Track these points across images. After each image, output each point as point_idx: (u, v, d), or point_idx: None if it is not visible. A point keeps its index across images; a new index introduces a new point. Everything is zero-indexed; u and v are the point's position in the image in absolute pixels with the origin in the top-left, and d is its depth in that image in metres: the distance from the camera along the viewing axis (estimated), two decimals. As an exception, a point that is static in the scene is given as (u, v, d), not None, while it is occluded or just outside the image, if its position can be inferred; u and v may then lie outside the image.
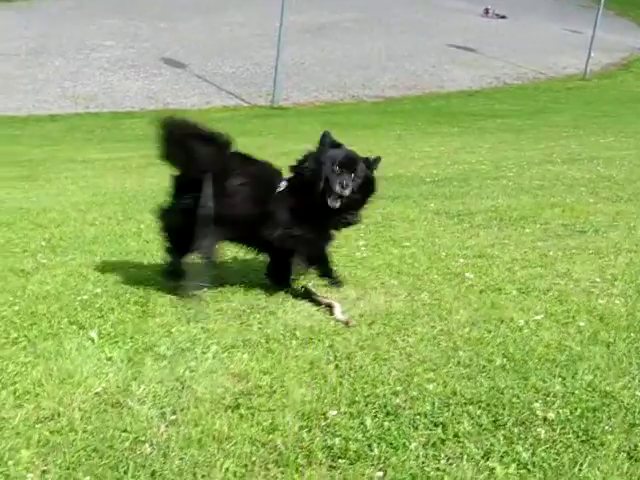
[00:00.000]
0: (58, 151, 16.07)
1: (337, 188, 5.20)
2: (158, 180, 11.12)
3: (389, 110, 22.88)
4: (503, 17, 40.48)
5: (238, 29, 33.21)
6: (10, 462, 3.34)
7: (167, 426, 3.64)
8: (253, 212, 5.31)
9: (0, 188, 11.18)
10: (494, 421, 3.63)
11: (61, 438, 3.54)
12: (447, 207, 8.52)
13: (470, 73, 28.80)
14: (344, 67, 28.33)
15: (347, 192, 5.20)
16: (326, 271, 5.56)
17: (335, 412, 3.71)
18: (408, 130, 18.01)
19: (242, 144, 15.37)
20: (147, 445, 3.45)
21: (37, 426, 3.67)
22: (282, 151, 14.42)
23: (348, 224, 5.51)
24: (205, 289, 5.45)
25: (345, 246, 6.73)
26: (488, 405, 3.77)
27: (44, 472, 3.28)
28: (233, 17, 35.20)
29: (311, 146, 5.53)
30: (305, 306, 5.33)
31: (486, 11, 40.99)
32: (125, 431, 3.59)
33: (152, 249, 6.80)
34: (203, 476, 3.22)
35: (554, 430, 3.54)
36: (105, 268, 6.34)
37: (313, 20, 34.11)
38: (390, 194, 9.37)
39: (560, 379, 4.08)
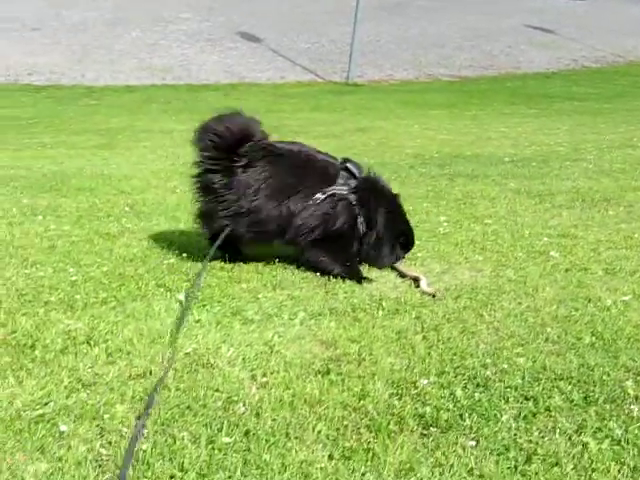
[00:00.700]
0: (135, 121, 16.23)
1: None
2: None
3: (465, 90, 22.68)
4: (582, -1, 39.83)
5: (314, 5, 33.17)
6: (106, 416, 3.41)
7: (258, 388, 3.68)
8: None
9: (80, 156, 11.36)
10: (585, 397, 3.60)
11: (155, 395, 3.60)
12: (527, 187, 8.44)
13: (547, 54, 28.37)
14: (419, 45, 28.14)
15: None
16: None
17: (425, 381, 3.71)
18: (484, 110, 17.84)
19: (316, 119, 15.55)
20: (240, 405, 3.50)
21: (130, 383, 3.74)
22: (357, 127, 14.49)
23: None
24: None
25: (427, 221, 6.73)
26: (579, 381, 3.75)
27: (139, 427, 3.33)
28: (309, -7, 35.19)
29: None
30: (390, 277, 5.36)
31: None
32: (217, 391, 3.64)
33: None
34: (296, 437, 3.25)
35: (646, 409, 3.51)
36: (189, 234, 6.41)
37: (389, -2, 33.96)
38: (469, 173, 9.34)
39: (651, 359, 4.03)
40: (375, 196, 5.49)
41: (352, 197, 5.38)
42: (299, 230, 5.31)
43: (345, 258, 5.38)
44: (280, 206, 5.28)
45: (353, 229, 5.38)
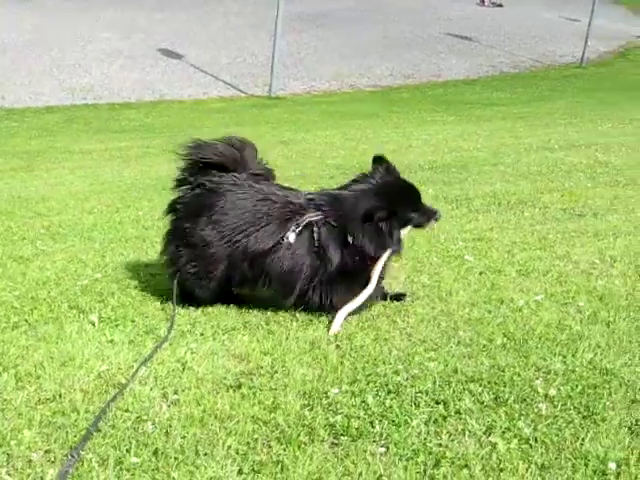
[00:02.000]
0: (55, 142, 16.03)
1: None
2: (156, 170, 11.15)
3: (387, 99, 22.84)
4: (500, 5, 40.34)
5: (234, 19, 33.16)
6: (12, 442, 3.34)
7: (169, 406, 3.65)
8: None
9: (-1, 179, 11.18)
10: (495, 398, 3.64)
11: (63, 418, 3.54)
12: (445, 192, 8.53)
13: (467, 62, 28.72)
14: (341, 56, 28.28)
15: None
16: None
17: (337, 390, 3.72)
18: (406, 119, 17.97)
19: (239, 134, 15.33)
20: (149, 424, 3.46)
21: (39, 407, 3.68)
22: (280, 140, 14.49)
23: None
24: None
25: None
26: (489, 383, 3.78)
27: (47, 451, 3.28)
28: (229, 7, 35.15)
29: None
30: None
31: (482, 0, 40.86)
32: (127, 411, 3.59)
33: (151, 235, 6.83)
34: (205, 454, 3.22)
35: (555, 406, 3.55)
36: (104, 254, 6.36)
37: (309, 9, 34.04)
38: (388, 181, 9.36)
39: (561, 357, 4.09)
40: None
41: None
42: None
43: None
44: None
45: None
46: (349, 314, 4.64)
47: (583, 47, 29.56)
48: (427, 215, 4.97)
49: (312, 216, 4.73)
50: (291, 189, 5.03)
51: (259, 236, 4.69)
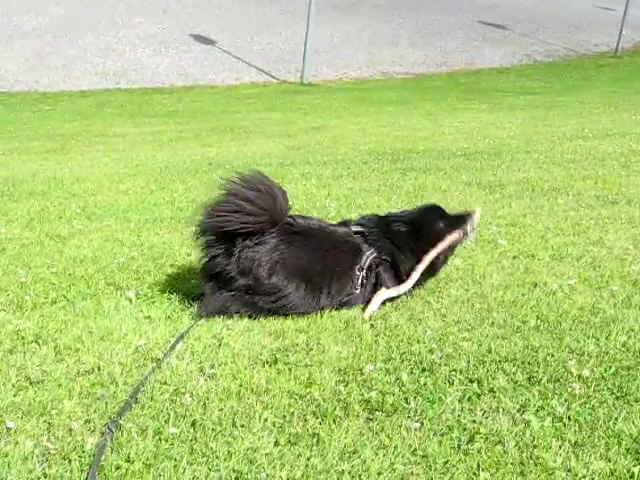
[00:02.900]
0: (89, 125, 16.17)
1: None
2: (189, 153, 11.22)
3: (419, 86, 22.82)
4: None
5: (267, 6, 33.16)
6: (53, 411, 3.41)
7: (206, 380, 3.70)
8: None
9: (33, 161, 11.30)
10: (529, 378, 3.66)
11: (103, 390, 3.61)
12: (478, 178, 8.53)
13: (500, 50, 28.64)
14: (373, 44, 28.26)
15: None
16: None
17: (371, 368, 3.76)
18: (438, 106, 17.97)
19: (271, 119, 15.57)
20: (187, 396, 3.51)
21: (78, 379, 3.75)
22: (312, 126, 14.52)
23: None
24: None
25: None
26: (523, 363, 3.81)
27: (87, 421, 3.34)
28: (262, -6, 35.19)
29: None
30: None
31: None
32: (165, 383, 3.65)
33: (185, 216, 6.87)
34: (242, 425, 3.27)
35: (589, 387, 3.57)
36: (140, 234, 6.43)
37: (342, -3, 34.03)
38: (421, 166, 9.41)
39: (594, 340, 4.09)
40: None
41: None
42: None
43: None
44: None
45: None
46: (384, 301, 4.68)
47: (618, 36, 29.39)
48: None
49: (370, 255, 4.70)
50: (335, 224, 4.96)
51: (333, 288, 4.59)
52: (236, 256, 4.43)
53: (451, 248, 4.94)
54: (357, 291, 4.62)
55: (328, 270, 4.57)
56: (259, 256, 4.43)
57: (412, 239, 4.78)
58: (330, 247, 4.62)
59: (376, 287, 4.65)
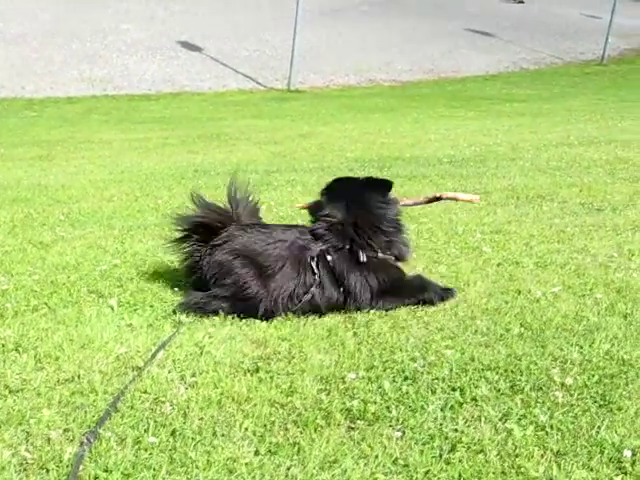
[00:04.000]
0: (75, 132, 16.10)
1: None
2: (175, 160, 11.19)
3: (406, 94, 22.82)
4: (521, 2, 40.22)
5: (254, 13, 33.14)
6: (32, 420, 3.38)
7: (187, 388, 3.68)
8: None
9: (18, 167, 11.25)
10: (512, 386, 3.65)
11: (82, 399, 3.58)
12: (464, 186, 8.53)
13: (487, 58, 28.68)
14: (361, 51, 28.26)
15: None
16: None
17: (354, 376, 3.74)
18: (425, 114, 17.96)
19: (258, 126, 15.49)
20: (167, 405, 3.49)
21: (58, 387, 3.73)
22: (299, 133, 14.52)
23: None
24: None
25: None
26: (506, 371, 3.79)
27: (66, 430, 3.31)
28: (249, 0, 35.13)
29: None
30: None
31: None
32: (145, 392, 3.63)
33: (170, 223, 6.83)
34: (223, 435, 3.25)
35: (571, 395, 3.55)
36: (123, 241, 6.40)
37: (330, 3, 34.01)
38: (407, 174, 9.41)
39: (577, 347, 4.09)
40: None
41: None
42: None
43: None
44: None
45: None
46: None
47: (604, 44, 29.47)
48: None
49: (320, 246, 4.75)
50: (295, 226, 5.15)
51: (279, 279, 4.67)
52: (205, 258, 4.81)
53: None
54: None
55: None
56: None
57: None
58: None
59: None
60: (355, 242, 4.72)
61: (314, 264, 4.65)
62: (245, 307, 4.59)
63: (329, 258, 4.68)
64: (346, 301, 4.67)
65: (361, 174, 9.30)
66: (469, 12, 35.63)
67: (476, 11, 35.96)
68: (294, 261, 4.67)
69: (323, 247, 4.71)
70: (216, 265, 4.71)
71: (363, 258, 4.67)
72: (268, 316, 4.56)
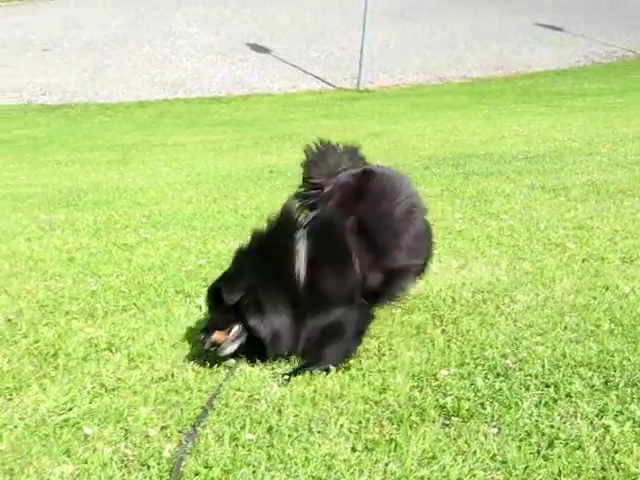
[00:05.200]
0: (149, 136, 16.33)
1: None
2: (249, 161, 11.28)
3: (476, 91, 22.67)
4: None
5: (322, 13, 33.22)
6: (129, 418, 3.46)
7: (279, 385, 3.71)
8: None
9: (96, 171, 11.48)
10: (605, 382, 3.61)
11: (177, 396, 3.65)
12: (542, 182, 8.44)
13: (557, 52, 28.34)
14: (429, 49, 28.16)
15: None
16: None
17: (445, 373, 3.74)
18: (496, 110, 17.81)
19: (329, 126, 15.49)
20: (262, 402, 3.53)
21: (152, 386, 3.80)
22: (370, 132, 14.51)
23: None
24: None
25: (443, 219, 6.74)
26: (599, 367, 3.75)
27: (163, 427, 3.38)
28: (317, 1, 35.20)
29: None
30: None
31: None
32: (239, 390, 3.68)
33: (250, 223, 6.87)
34: (319, 431, 3.28)
35: (668, 391, 3.51)
36: (206, 241, 6.48)
37: (397, 2, 33.92)
38: (483, 171, 9.35)
39: (671, 343, 4.03)
40: None
41: None
42: None
43: None
44: None
45: None
46: None
47: (679, 36, 28.94)
48: None
49: None
50: None
51: None
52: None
53: None
54: None
55: None
56: None
57: None
58: None
59: None
60: None
61: None
62: None
63: None
64: None
65: (437, 171, 9.37)
66: (538, 6, 35.21)
67: (545, 5, 35.54)
68: None
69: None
70: None
71: None
72: None
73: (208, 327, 4.09)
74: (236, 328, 4.00)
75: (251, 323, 3.95)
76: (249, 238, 4.33)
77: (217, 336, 4.00)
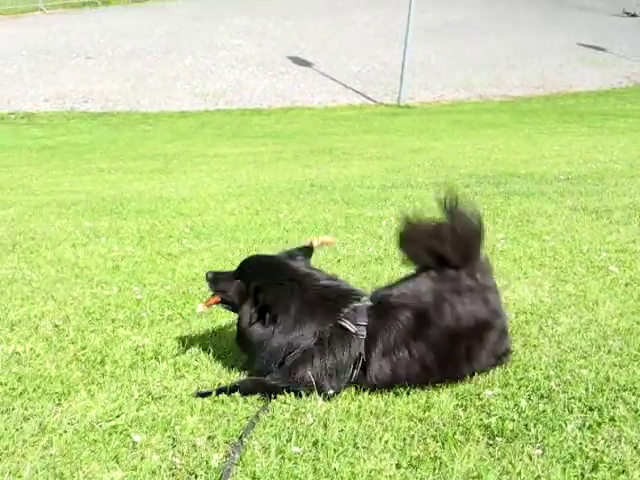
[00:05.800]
0: (190, 146, 16.47)
1: None
2: (290, 174, 11.34)
3: (517, 109, 22.66)
4: (634, 15, 39.47)
5: (364, 28, 33.35)
6: (177, 427, 3.51)
7: (325, 400, 3.75)
8: None
9: (138, 180, 11.59)
10: (650, 408, 3.62)
11: (224, 407, 3.69)
12: (584, 203, 8.42)
13: (600, 72, 28.29)
14: (470, 66, 28.18)
15: None
16: None
17: (490, 393, 3.76)
18: (537, 129, 17.79)
19: (369, 141, 15.51)
20: (308, 416, 3.57)
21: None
22: (410, 148, 14.55)
23: None
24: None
25: (485, 239, 6.73)
26: (643, 392, 3.77)
27: (210, 437, 3.42)
28: (359, 16, 35.35)
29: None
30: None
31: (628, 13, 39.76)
32: (285, 403, 3.72)
33: (293, 237, 6.96)
34: (364, 447, 3.31)
35: None
36: (250, 254, 6.51)
37: (439, 18, 34.02)
38: (524, 190, 9.34)
39: None
40: None
41: None
42: None
43: None
44: None
45: None
46: None
47: None
48: None
49: None
50: None
51: None
52: None
53: None
54: None
55: None
56: None
57: None
58: None
59: None
60: None
61: None
62: None
63: None
64: None
65: (477, 190, 9.37)
66: (580, 26, 35.15)
67: (587, 25, 35.46)
68: None
69: None
70: None
71: None
72: None
73: (218, 282, 4.34)
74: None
75: (253, 328, 3.99)
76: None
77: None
